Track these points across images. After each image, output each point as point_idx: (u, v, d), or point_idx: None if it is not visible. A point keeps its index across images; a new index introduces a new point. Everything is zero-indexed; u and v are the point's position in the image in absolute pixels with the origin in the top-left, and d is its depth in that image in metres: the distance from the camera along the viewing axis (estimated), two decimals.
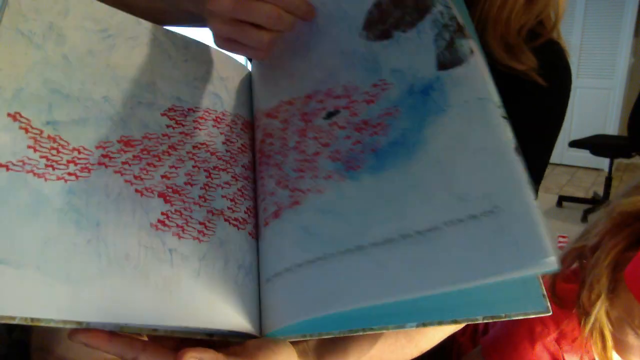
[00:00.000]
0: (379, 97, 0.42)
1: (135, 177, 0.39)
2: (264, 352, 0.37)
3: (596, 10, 4.39)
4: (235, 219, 0.42)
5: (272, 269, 0.40)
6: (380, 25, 0.44)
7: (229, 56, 0.50)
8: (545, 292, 0.38)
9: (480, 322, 0.37)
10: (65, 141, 0.37)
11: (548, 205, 3.59)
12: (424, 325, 0.38)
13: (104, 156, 0.38)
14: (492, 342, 0.71)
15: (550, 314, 0.37)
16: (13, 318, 0.30)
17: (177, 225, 0.39)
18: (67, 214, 0.35)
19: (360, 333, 0.38)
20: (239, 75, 0.52)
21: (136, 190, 0.38)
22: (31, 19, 0.39)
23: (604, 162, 4.21)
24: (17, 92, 0.36)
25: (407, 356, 0.50)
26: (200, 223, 0.40)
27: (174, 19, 0.52)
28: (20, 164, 0.34)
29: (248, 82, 0.53)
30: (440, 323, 0.38)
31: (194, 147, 0.43)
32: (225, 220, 0.41)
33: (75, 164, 0.37)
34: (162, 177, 0.40)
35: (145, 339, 0.36)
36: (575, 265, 0.73)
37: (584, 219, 3.24)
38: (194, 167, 0.42)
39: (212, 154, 0.44)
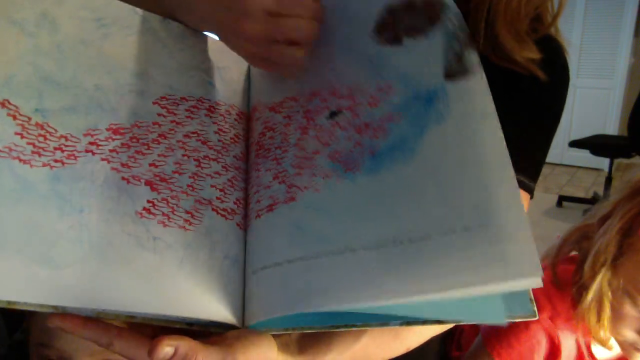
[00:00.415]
0: (382, 100, 0.42)
1: (123, 165, 0.39)
2: (243, 343, 0.37)
3: (596, 10, 4.39)
4: (224, 209, 0.42)
5: (260, 262, 0.40)
6: (391, 30, 0.44)
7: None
8: (532, 297, 0.38)
9: (466, 323, 0.37)
10: (53, 128, 0.37)
11: (548, 205, 3.59)
12: (408, 324, 0.37)
13: (91, 144, 0.38)
14: (491, 328, 0.72)
15: (536, 318, 0.38)
16: None
17: (163, 214, 0.39)
18: (50, 200, 0.35)
19: (343, 330, 0.38)
20: (236, 66, 0.51)
21: (122, 178, 0.38)
22: (24, 7, 0.40)
23: (604, 162, 4.21)
24: (7, 80, 0.37)
25: (394, 352, 0.49)
26: (187, 212, 0.40)
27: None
28: (7, 150, 0.35)
29: (246, 73, 0.53)
30: (424, 323, 0.37)
31: (184, 135, 0.43)
32: (213, 210, 0.41)
33: (62, 151, 0.37)
34: (150, 165, 0.40)
35: (124, 326, 0.36)
36: (573, 253, 0.74)
37: None
38: (183, 155, 0.42)
39: (203, 143, 0.44)
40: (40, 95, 0.38)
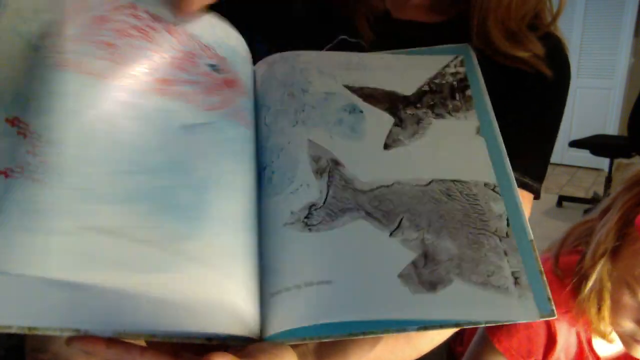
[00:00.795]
0: None
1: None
2: (267, 355, 0.37)
3: (596, 10, 4.39)
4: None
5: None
6: None
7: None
8: (550, 296, 0.39)
9: (483, 326, 0.38)
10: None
11: (548, 205, 3.59)
12: (425, 329, 0.38)
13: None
14: None
15: (555, 317, 0.39)
16: (9, 327, 0.29)
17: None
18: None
19: (361, 337, 0.38)
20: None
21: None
22: (30, 20, 0.38)
23: (604, 162, 4.21)
24: (16, 96, 0.35)
25: (407, 357, 0.49)
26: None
27: None
28: (20, 169, 0.33)
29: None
30: (442, 327, 0.38)
31: None
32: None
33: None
34: None
35: (144, 344, 0.36)
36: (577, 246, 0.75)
37: None
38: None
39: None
40: None
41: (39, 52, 0.37)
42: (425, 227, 0.42)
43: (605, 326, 0.67)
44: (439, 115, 0.47)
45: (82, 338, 0.33)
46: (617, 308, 0.66)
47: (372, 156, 0.45)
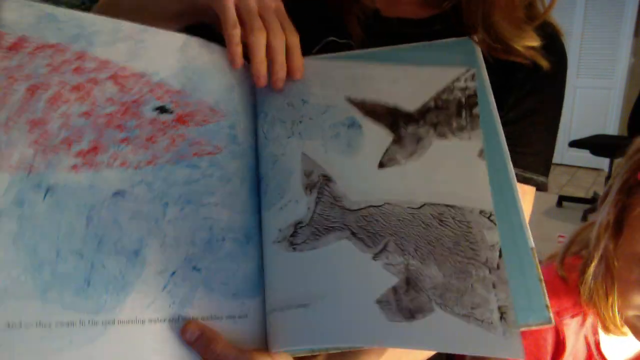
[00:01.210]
0: None
1: None
2: None
3: (596, 10, 4.39)
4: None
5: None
6: None
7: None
8: (549, 304, 0.39)
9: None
10: None
11: (548, 205, 3.59)
12: None
13: None
14: None
15: (552, 324, 0.39)
16: None
17: None
18: None
19: (368, 347, 0.40)
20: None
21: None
22: None
23: (604, 162, 4.21)
24: None
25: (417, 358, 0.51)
26: None
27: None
28: None
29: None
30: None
31: None
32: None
33: None
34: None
35: None
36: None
37: (584, 219, 3.24)
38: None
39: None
40: None
41: None
42: (412, 252, 0.41)
43: (615, 315, 0.66)
44: (441, 135, 0.45)
45: None
46: (626, 286, 0.64)
47: (365, 174, 0.44)
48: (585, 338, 0.71)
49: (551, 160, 0.54)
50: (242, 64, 0.45)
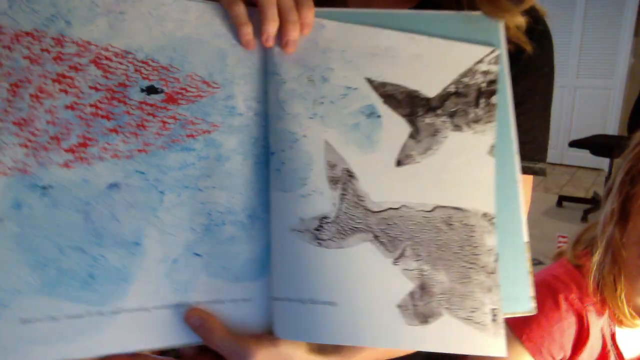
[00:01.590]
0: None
1: None
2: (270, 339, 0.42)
3: (596, 10, 4.39)
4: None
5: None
6: None
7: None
8: (533, 294, 0.42)
9: None
10: None
11: (548, 205, 3.59)
12: None
13: None
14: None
15: (534, 314, 0.42)
16: None
17: None
18: None
19: (384, 347, 0.42)
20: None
21: None
22: None
23: (604, 162, 4.21)
24: None
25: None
26: None
27: None
28: None
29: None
30: None
31: None
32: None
33: None
34: None
35: None
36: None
37: (584, 219, 3.24)
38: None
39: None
40: None
41: None
42: (425, 258, 0.41)
43: (624, 305, 0.66)
44: (456, 127, 0.43)
45: None
46: (636, 273, 0.65)
47: (384, 172, 0.42)
48: (601, 329, 0.70)
49: (547, 144, 0.54)
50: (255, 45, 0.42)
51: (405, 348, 0.42)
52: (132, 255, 0.40)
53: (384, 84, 0.43)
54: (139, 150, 0.41)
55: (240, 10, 0.41)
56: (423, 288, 0.41)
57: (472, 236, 0.42)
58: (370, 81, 0.43)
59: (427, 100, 0.43)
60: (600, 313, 0.69)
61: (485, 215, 0.42)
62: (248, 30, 0.41)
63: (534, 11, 0.50)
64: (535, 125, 0.52)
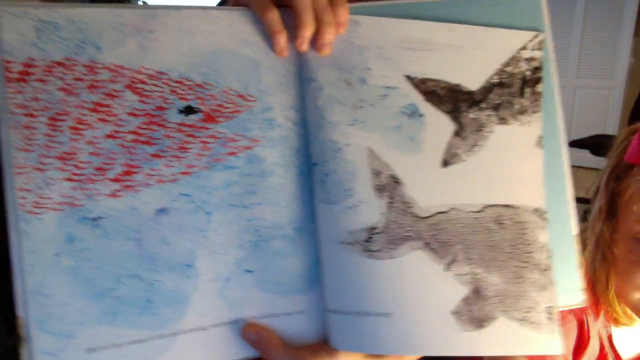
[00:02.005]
0: None
1: None
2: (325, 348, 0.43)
3: (596, 10, 4.38)
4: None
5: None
6: None
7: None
8: (584, 287, 0.42)
9: None
10: None
11: None
12: None
13: None
14: None
15: (584, 306, 0.43)
16: None
17: None
18: None
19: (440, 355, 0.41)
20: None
21: None
22: None
23: (604, 162, 4.19)
24: None
25: None
26: None
27: None
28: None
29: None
30: None
31: None
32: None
33: None
34: None
35: None
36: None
37: (584, 219, 3.23)
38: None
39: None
40: None
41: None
42: (477, 261, 0.40)
43: (615, 302, 0.66)
44: (502, 120, 0.41)
45: None
46: (628, 268, 0.64)
47: (430, 175, 0.41)
48: (598, 332, 0.70)
49: None
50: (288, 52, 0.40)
51: (461, 354, 0.40)
52: (186, 278, 0.40)
53: (424, 80, 0.41)
54: (183, 173, 0.40)
55: (275, 16, 0.39)
56: (477, 292, 0.40)
57: (524, 234, 0.40)
58: (409, 78, 0.41)
59: (470, 93, 0.41)
60: (595, 315, 0.69)
61: (536, 210, 0.41)
62: (283, 39, 0.40)
63: None
64: None
